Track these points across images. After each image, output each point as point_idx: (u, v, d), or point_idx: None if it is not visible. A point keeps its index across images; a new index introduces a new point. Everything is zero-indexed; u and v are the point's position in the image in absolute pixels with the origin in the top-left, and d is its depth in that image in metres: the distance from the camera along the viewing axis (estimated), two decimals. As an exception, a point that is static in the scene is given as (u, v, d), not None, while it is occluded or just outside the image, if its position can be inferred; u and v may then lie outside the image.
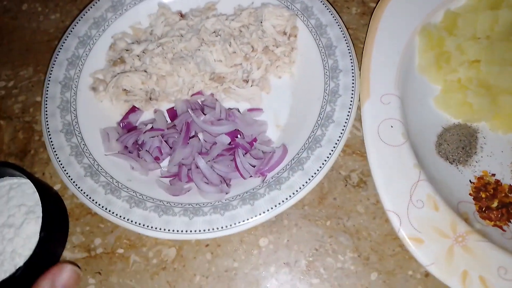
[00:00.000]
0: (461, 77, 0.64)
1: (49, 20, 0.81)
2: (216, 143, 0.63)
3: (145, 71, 0.68)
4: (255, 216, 0.56)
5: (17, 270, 0.50)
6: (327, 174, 0.60)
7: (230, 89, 0.68)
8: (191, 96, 0.69)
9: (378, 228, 0.60)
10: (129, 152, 0.64)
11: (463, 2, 0.69)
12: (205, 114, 0.64)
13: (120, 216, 0.57)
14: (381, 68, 0.63)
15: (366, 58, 0.64)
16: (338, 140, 0.59)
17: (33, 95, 0.74)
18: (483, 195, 0.60)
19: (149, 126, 0.66)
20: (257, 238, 0.60)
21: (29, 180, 0.56)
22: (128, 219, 0.57)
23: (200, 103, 0.68)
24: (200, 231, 0.56)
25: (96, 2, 0.73)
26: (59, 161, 0.61)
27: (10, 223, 0.55)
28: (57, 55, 0.69)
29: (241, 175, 0.60)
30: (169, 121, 0.68)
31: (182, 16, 0.73)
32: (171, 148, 0.64)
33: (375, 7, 0.70)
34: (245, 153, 0.62)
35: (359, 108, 0.63)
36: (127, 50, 0.70)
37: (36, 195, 0.56)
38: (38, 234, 0.52)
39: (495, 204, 0.59)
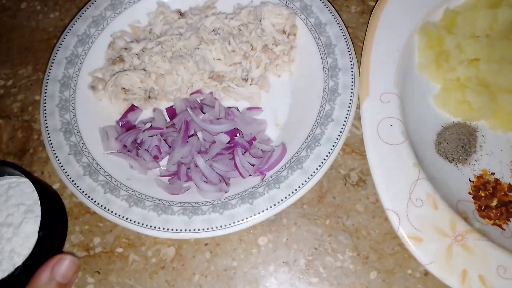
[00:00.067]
0: (460, 75, 0.64)
1: (48, 18, 0.81)
2: (215, 142, 0.63)
3: (144, 69, 0.68)
4: (254, 215, 0.56)
5: (16, 269, 0.50)
6: (326, 173, 0.60)
7: (229, 87, 0.68)
8: (190, 95, 0.69)
9: (378, 227, 0.60)
10: (128, 151, 0.64)
11: (462, 0, 0.68)
12: (204, 113, 0.64)
13: (119, 215, 0.57)
14: (380, 67, 0.63)
15: (366, 57, 0.64)
16: (337, 139, 0.59)
17: (32, 94, 0.74)
18: (483, 194, 0.59)
19: (148, 125, 0.66)
20: (256, 237, 0.60)
21: (28, 179, 0.56)
22: (127, 218, 0.57)
23: (199, 102, 0.68)
24: (199, 230, 0.56)
25: (95, 1, 0.73)
26: (58, 160, 0.61)
27: (8, 222, 0.55)
28: (56, 53, 0.69)
29: (240, 174, 0.60)
30: (168, 120, 0.68)
31: (181, 14, 0.73)
32: (170, 147, 0.64)
33: (375, 5, 0.70)
34: (244, 152, 0.62)
35: (358, 106, 0.62)
36: (126, 49, 0.70)
37: (35, 194, 0.56)
38: (37, 233, 0.52)
39: (494, 202, 0.59)
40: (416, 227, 0.54)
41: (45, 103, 0.66)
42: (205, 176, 0.60)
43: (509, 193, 0.60)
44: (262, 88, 0.68)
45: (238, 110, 0.67)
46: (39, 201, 0.54)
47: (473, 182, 0.61)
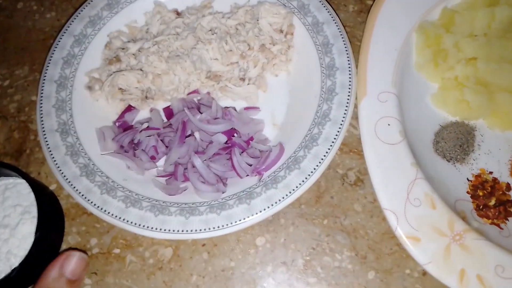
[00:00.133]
0: (459, 74, 0.64)
1: (45, 18, 0.81)
2: (213, 142, 0.63)
3: (141, 69, 0.68)
4: (252, 215, 0.56)
5: (13, 270, 0.50)
6: (324, 173, 0.60)
7: (226, 87, 0.67)
8: (187, 94, 0.68)
9: (376, 226, 0.60)
10: (125, 152, 0.64)
11: (460, -1, 0.68)
12: (201, 113, 0.64)
13: (116, 216, 0.57)
14: (378, 66, 0.63)
15: (363, 56, 0.64)
16: (335, 138, 0.59)
17: (28, 94, 0.74)
18: (481, 193, 0.59)
19: (145, 125, 0.65)
20: (254, 237, 0.60)
21: (24, 180, 0.56)
22: (124, 219, 0.57)
23: (197, 101, 0.68)
24: (196, 230, 0.56)
25: (92, 1, 0.72)
26: (54, 160, 0.61)
27: (5, 223, 0.55)
28: (52, 54, 0.69)
29: (238, 174, 0.60)
30: (165, 120, 0.67)
31: (178, 14, 0.73)
32: (167, 147, 0.64)
33: (372, 4, 0.69)
34: (242, 152, 0.62)
35: (356, 106, 0.62)
36: (122, 49, 0.69)
37: (32, 195, 0.56)
38: (34, 235, 0.52)
39: (492, 202, 0.59)
40: (414, 227, 0.54)
41: (41, 103, 0.65)
42: (202, 177, 0.60)
43: (507, 192, 0.60)
44: (260, 88, 0.68)
45: (235, 110, 0.66)
46: (35, 202, 0.54)
47: (471, 181, 0.61)
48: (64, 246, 0.61)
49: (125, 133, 0.64)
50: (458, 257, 0.52)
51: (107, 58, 0.70)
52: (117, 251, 0.60)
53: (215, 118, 0.64)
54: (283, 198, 0.56)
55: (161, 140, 0.64)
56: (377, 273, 0.57)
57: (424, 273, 0.56)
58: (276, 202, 0.56)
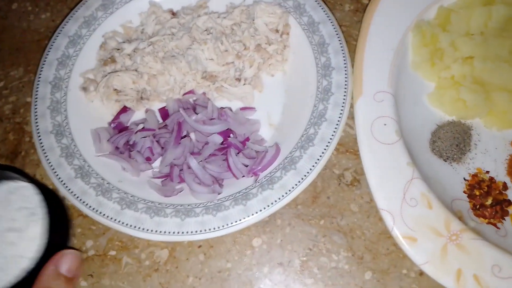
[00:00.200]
0: (455, 73, 0.64)
1: (40, 19, 0.80)
2: (208, 143, 0.62)
3: (136, 70, 0.67)
4: (248, 216, 0.55)
5: (24, 273, 0.49)
6: (320, 173, 0.60)
7: (222, 88, 0.67)
8: (183, 95, 0.68)
9: (372, 226, 0.59)
10: (120, 153, 0.63)
11: (456, -2, 0.68)
12: (197, 114, 0.64)
13: (111, 218, 0.57)
14: (374, 66, 0.63)
15: (359, 56, 0.64)
16: (331, 138, 0.58)
17: (23, 96, 0.73)
18: (477, 193, 0.59)
19: (141, 126, 0.65)
20: (250, 238, 0.60)
21: (26, 183, 0.55)
22: (119, 221, 0.56)
23: (192, 102, 0.68)
24: (192, 232, 0.55)
25: (87, 1, 0.72)
26: (49, 162, 0.61)
27: (12, 227, 0.53)
28: (47, 55, 0.69)
29: (234, 175, 0.60)
30: (160, 121, 0.67)
31: (173, 14, 0.72)
32: (162, 148, 0.63)
33: (368, 3, 0.69)
34: (238, 153, 0.61)
35: (352, 106, 0.62)
36: (118, 49, 0.69)
37: (36, 197, 0.55)
38: (42, 236, 0.51)
39: (489, 201, 0.59)
40: (410, 227, 0.54)
41: (36, 105, 0.65)
42: (198, 178, 0.59)
43: (504, 192, 0.60)
44: (256, 88, 0.68)
45: (231, 110, 0.66)
46: (41, 203, 0.53)
47: (468, 180, 0.61)
48: (59, 248, 0.61)
49: (120, 134, 0.64)
50: (455, 257, 0.52)
51: (102, 58, 0.70)
52: (113, 253, 0.60)
53: (211, 119, 0.64)
54: (279, 199, 0.56)
55: (156, 141, 0.63)
56: (374, 274, 0.57)
57: (421, 273, 0.56)
58: (272, 203, 0.56)
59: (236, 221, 0.55)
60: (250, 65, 0.67)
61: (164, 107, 0.67)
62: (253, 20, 0.68)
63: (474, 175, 0.61)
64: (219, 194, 0.59)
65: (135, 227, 0.56)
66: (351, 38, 0.72)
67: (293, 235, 0.60)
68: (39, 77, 0.67)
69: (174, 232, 0.55)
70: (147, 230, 0.56)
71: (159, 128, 0.65)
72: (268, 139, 0.65)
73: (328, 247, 0.59)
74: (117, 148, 0.64)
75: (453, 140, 0.62)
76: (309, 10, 0.68)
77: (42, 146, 0.62)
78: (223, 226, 0.55)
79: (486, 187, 0.60)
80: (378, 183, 0.56)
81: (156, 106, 0.68)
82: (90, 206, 0.58)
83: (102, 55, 0.70)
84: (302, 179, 0.57)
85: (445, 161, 0.62)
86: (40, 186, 0.55)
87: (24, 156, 0.68)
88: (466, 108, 0.62)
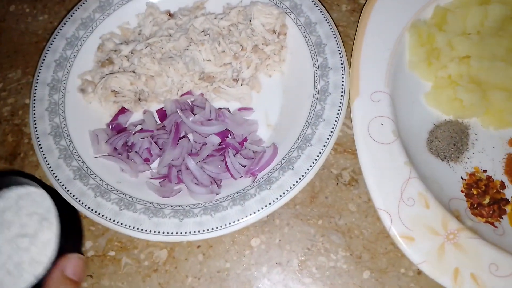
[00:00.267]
0: (452, 73, 0.64)
1: (37, 21, 0.81)
2: (206, 144, 0.62)
3: (134, 71, 0.68)
4: (246, 216, 0.56)
5: (38, 278, 0.49)
6: (318, 173, 0.60)
7: (220, 88, 0.67)
8: (181, 96, 0.68)
9: (370, 226, 0.60)
10: (119, 154, 0.63)
11: (452, -3, 0.68)
12: (194, 114, 0.64)
13: (110, 219, 0.57)
14: (371, 66, 0.63)
15: (356, 56, 0.64)
16: (328, 139, 0.59)
17: (22, 98, 0.73)
18: (475, 192, 0.59)
19: (139, 127, 0.65)
20: (249, 238, 0.60)
21: (36, 188, 0.54)
22: (118, 222, 0.57)
23: (190, 103, 0.68)
24: (190, 232, 0.56)
25: (84, 3, 0.72)
26: (48, 164, 0.61)
27: (24, 232, 0.52)
28: (45, 57, 0.69)
29: (232, 175, 0.60)
30: (158, 122, 0.67)
31: (170, 15, 0.73)
32: (161, 149, 0.63)
33: (365, 3, 0.69)
34: (236, 153, 0.62)
35: (349, 106, 0.62)
36: (115, 51, 0.69)
37: (47, 202, 0.54)
38: (54, 241, 0.51)
39: (486, 200, 0.59)
40: (407, 226, 0.54)
41: (34, 107, 0.65)
42: (196, 178, 0.59)
43: (501, 191, 0.60)
44: (253, 89, 0.68)
45: (229, 111, 0.66)
46: (52, 208, 0.53)
47: (465, 180, 0.61)
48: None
49: (119, 136, 0.64)
50: (452, 256, 0.52)
51: (99, 60, 0.70)
52: (112, 253, 0.60)
53: (209, 120, 0.64)
54: (277, 199, 0.56)
55: (154, 142, 0.63)
56: (372, 273, 0.57)
57: (419, 272, 0.56)
58: (270, 203, 0.56)
59: (234, 222, 0.56)
60: (248, 66, 0.67)
61: (162, 108, 0.68)
62: (250, 21, 0.69)
63: (472, 174, 0.61)
64: (217, 194, 0.59)
65: (133, 227, 0.56)
66: (348, 38, 0.72)
67: (292, 235, 0.60)
68: (37, 79, 0.67)
69: (172, 233, 0.56)
70: (146, 230, 0.56)
71: (157, 129, 0.65)
72: (266, 140, 0.65)
73: (327, 247, 0.59)
74: (115, 149, 0.64)
75: (450, 140, 0.62)
76: (306, 10, 0.68)
77: (41, 148, 0.62)
78: (221, 226, 0.56)
79: (483, 186, 0.60)
80: (376, 183, 0.56)
81: (154, 107, 0.69)
82: (89, 207, 0.58)
83: (100, 56, 0.70)
84: (299, 179, 0.57)
85: (443, 160, 0.62)
86: (50, 191, 0.54)
87: (23, 157, 0.69)
88: (463, 107, 0.62)
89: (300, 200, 0.61)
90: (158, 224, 0.56)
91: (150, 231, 0.56)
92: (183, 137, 0.64)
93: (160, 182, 0.62)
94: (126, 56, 0.68)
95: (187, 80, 0.68)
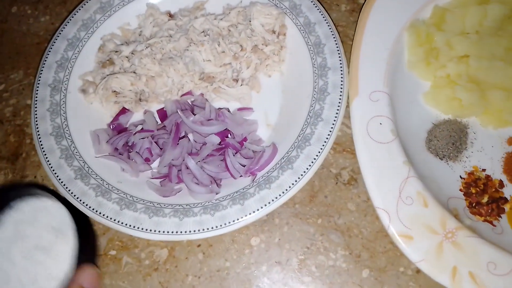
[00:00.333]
0: (451, 72, 0.64)
1: (39, 22, 0.81)
2: (206, 143, 0.63)
3: (135, 72, 0.68)
4: (245, 215, 0.56)
5: None
6: (317, 172, 0.60)
7: (220, 88, 0.68)
8: (181, 96, 0.69)
9: (369, 225, 0.60)
10: (119, 154, 0.64)
11: (451, -3, 0.68)
12: (194, 115, 0.64)
13: (111, 218, 0.57)
14: (369, 65, 0.63)
15: (355, 56, 0.64)
16: (327, 138, 0.59)
17: (24, 98, 0.74)
18: (473, 191, 0.59)
19: (139, 127, 0.66)
20: (249, 237, 0.60)
21: (52, 201, 0.53)
22: (118, 221, 0.57)
23: (190, 103, 0.68)
24: (190, 231, 0.56)
25: (85, 4, 0.73)
26: (49, 164, 0.61)
27: (40, 245, 0.51)
28: (46, 57, 0.69)
29: (232, 175, 0.60)
30: (159, 122, 0.68)
31: (171, 16, 0.73)
32: (161, 149, 0.64)
33: (364, 3, 0.69)
34: (235, 153, 0.62)
35: (348, 105, 0.62)
36: (116, 52, 0.70)
37: (64, 215, 0.52)
38: (70, 254, 0.50)
39: (485, 199, 0.59)
40: (406, 225, 0.54)
41: (36, 107, 0.66)
42: (196, 178, 0.60)
43: (500, 189, 0.60)
44: (253, 89, 0.68)
45: (229, 111, 0.67)
46: (69, 222, 0.51)
47: (464, 179, 0.61)
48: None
49: (119, 136, 0.64)
50: (450, 254, 0.52)
51: (100, 61, 0.71)
52: (113, 252, 0.61)
53: (209, 120, 0.64)
54: (276, 198, 0.57)
55: (155, 142, 0.64)
56: (371, 272, 0.57)
57: (418, 270, 0.57)
58: (269, 202, 0.56)
59: (233, 221, 0.56)
60: (247, 66, 0.68)
61: (163, 108, 0.68)
62: (250, 21, 0.69)
63: (470, 173, 0.61)
64: (217, 194, 0.59)
65: (134, 227, 0.57)
66: (348, 38, 0.72)
67: (291, 234, 0.60)
68: (39, 80, 0.68)
69: (172, 232, 0.56)
70: (146, 230, 0.56)
71: (158, 129, 0.65)
72: (266, 139, 0.65)
73: (326, 246, 0.59)
74: (116, 149, 0.64)
75: (449, 139, 0.62)
76: (305, 10, 0.68)
77: (42, 148, 0.63)
78: (221, 225, 0.56)
79: (482, 185, 0.60)
80: (374, 182, 0.57)
81: (154, 107, 0.69)
82: (90, 207, 0.58)
83: (101, 57, 0.71)
84: (298, 178, 0.57)
85: (441, 159, 0.62)
86: (66, 203, 0.52)
87: (25, 158, 0.69)
88: (462, 107, 0.62)
89: (299, 199, 0.62)
90: (158, 223, 0.57)
91: (151, 230, 0.57)
92: (183, 137, 0.64)
93: (160, 182, 0.62)
94: (127, 57, 0.69)
95: (187, 80, 0.68)
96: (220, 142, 0.63)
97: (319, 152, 0.58)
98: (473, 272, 0.51)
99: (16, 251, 0.50)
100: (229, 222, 0.56)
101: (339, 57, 0.64)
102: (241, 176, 0.61)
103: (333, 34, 0.66)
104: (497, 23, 0.64)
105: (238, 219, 0.56)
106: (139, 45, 0.69)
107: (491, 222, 0.57)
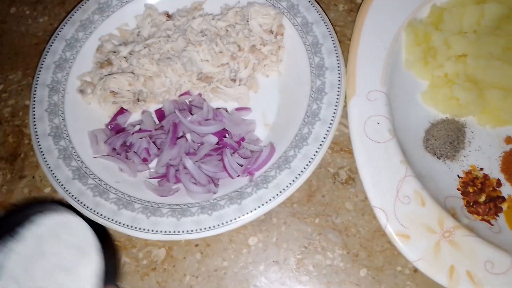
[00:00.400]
0: (448, 72, 0.64)
1: (38, 23, 0.81)
2: (204, 143, 0.63)
3: (132, 72, 0.68)
4: (243, 215, 0.56)
5: None
6: (315, 172, 0.60)
7: (218, 88, 0.68)
8: (179, 96, 0.69)
9: (367, 224, 0.60)
10: (117, 154, 0.64)
11: (449, -4, 0.68)
12: (192, 114, 0.64)
13: (108, 218, 0.57)
14: (367, 65, 0.63)
15: (352, 55, 0.64)
16: (324, 138, 0.59)
17: (22, 99, 0.74)
18: (471, 190, 0.59)
19: (137, 127, 0.66)
20: (247, 237, 0.60)
21: (75, 217, 0.50)
22: (116, 221, 0.57)
23: (188, 103, 0.68)
24: (188, 231, 0.56)
25: (83, 5, 0.73)
26: (48, 164, 0.62)
27: (61, 264, 0.49)
28: (44, 58, 0.70)
29: (229, 174, 0.60)
30: (157, 122, 0.68)
31: (168, 16, 0.73)
32: (159, 149, 0.64)
33: (361, 3, 0.69)
34: (233, 153, 0.62)
35: (346, 105, 0.63)
36: (114, 52, 0.70)
37: (87, 233, 0.50)
38: (94, 276, 0.47)
39: (483, 198, 0.59)
40: (403, 224, 0.54)
41: (34, 108, 0.66)
42: (194, 178, 0.60)
43: (497, 189, 0.60)
44: (251, 89, 0.68)
45: (226, 111, 0.67)
46: (92, 241, 0.49)
47: (461, 178, 0.61)
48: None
49: (117, 136, 0.65)
50: (448, 253, 0.52)
51: (98, 61, 0.71)
52: (111, 253, 0.61)
53: (207, 120, 0.64)
54: (273, 197, 0.57)
55: (153, 142, 0.64)
56: (369, 271, 0.57)
57: (416, 270, 0.57)
58: (266, 202, 0.57)
59: (231, 220, 0.56)
60: (245, 66, 0.68)
61: (160, 108, 0.68)
62: (248, 21, 0.69)
63: (468, 173, 0.61)
64: (214, 193, 0.59)
65: (132, 227, 0.57)
66: (345, 38, 0.72)
67: (289, 234, 0.60)
68: (37, 81, 0.68)
69: (170, 232, 0.56)
70: (144, 229, 0.57)
71: (156, 129, 0.65)
72: (264, 139, 0.65)
73: (323, 245, 0.59)
74: (114, 149, 0.64)
75: (446, 138, 0.62)
76: (303, 10, 0.68)
77: (41, 148, 0.63)
78: (218, 225, 0.56)
79: (480, 184, 0.60)
80: (372, 181, 0.57)
81: (152, 107, 0.69)
82: (87, 207, 0.58)
83: (99, 58, 0.71)
84: (296, 177, 0.57)
85: (439, 158, 0.62)
86: (88, 221, 0.51)
87: (23, 158, 0.69)
88: (460, 106, 0.63)
89: (297, 199, 0.62)
90: (156, 223, 0.57)
91: (148, 230, 0.57)
92: (181, 137, 0.64)
93: (158, 182, 0.63)
94: (125, 57, 0.69)
95: (185, 80, 0.68)
96: (218, 142, 0.63)
97: (316, 151, 0.58)
98: (470, 271, 0.51)
99: (37, 268, 0.47)
100: (227, 222, 0.56)
101: (337, 57, 0.64)
102: (238, 175, 0.61)
103: (330, 34, 0.66)
104: (495, 23, 0.64)
105: (235, 219, 0.56)
106: (137, 45, 0.69)
107: (488, 221, 0.57)
